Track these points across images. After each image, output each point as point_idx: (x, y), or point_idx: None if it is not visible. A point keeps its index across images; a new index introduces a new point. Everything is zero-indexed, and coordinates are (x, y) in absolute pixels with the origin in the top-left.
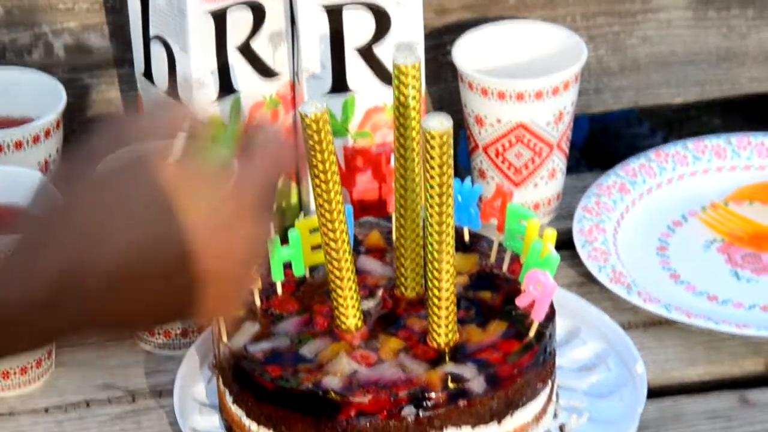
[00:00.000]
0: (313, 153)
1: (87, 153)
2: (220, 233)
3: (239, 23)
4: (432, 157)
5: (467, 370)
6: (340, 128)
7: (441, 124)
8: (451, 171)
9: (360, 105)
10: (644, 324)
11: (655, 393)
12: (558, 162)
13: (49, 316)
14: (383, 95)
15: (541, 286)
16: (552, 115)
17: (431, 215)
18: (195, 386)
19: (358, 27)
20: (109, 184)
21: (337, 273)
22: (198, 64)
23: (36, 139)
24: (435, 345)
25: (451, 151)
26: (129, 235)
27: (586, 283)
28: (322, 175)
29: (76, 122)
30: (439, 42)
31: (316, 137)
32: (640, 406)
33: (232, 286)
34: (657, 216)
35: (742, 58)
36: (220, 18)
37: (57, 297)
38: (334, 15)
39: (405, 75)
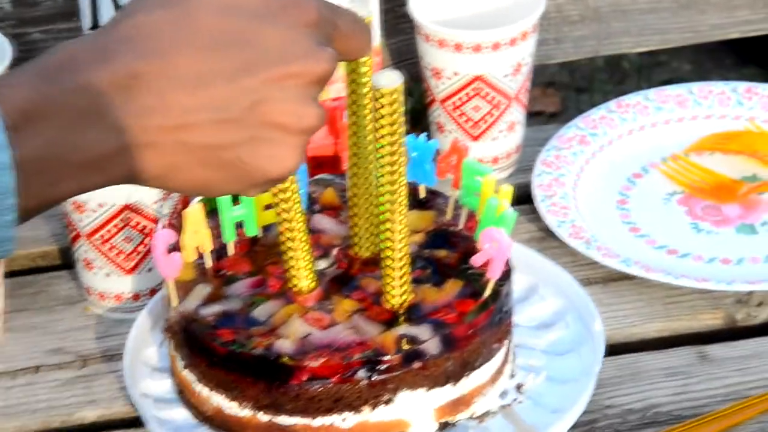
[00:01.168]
0: None
1: None
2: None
3: None
4: (382, 116)
5: (422, 331)
6: None
7: (391, 80)
8: (403, 129)
9: None
10: (604, 279)
11: (614, 350)
12: (517, 114)
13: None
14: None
15: (496, 244)
16: (510, 67)
17: (383, 174)
18: (146, 350)
19: None
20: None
21: (289, 234)
22: None
23: None
24: (389, 306)
25: (402, 108)
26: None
27: (546, 237)
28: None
29: None
30: None
31: None
32: (598, 364)
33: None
34: (617, 168)
35: (703, 6)
36: None
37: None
38: None
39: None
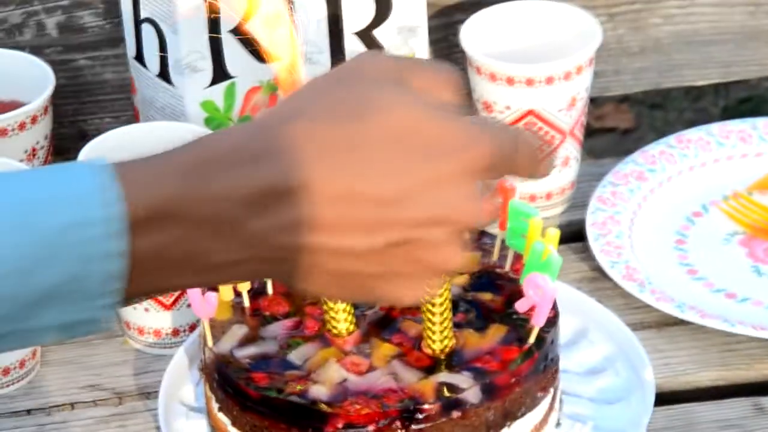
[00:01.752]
0: None
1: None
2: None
3: (233, 5)
4: None
5: (462, 379)
6: None
7: None
8: None
9: None
10: (658, 324)
11: (665, 399)
12: (571, 149)
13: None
14: None
15: (541, 291)
16: (564, 101)
17: None
18: (183, 387)
19: (357, 10)
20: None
21: None
22: (189, 48)
23: (22, 126)
24: (430, 351)
25: None
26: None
27: (598, 278)
28: None
29: (70, 106)
30: (449, 21)
31: None
32: (647, 415)
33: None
34: (676, 206)
35: None
36: None
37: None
38: None
39: None
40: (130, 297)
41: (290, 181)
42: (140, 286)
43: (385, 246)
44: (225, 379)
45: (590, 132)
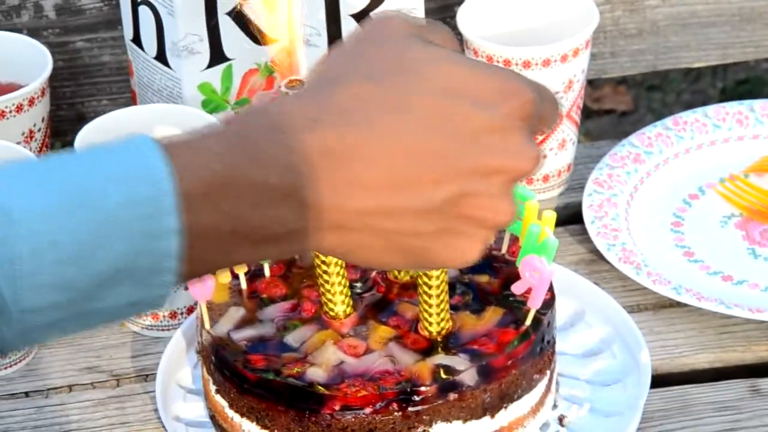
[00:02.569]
0: None
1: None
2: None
3: None
4: None
5: (459, 361)
6: None
7: None
8: None
9: None
10: (654, 306)
11: (662, 381)
12: (568, 132)
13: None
14: None
15: (537, 273)
16: (561, 84)
17: None
18: (181, 371)
19: None
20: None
21: (323, 257)
22: (186, 30)
23: (19, 108)
24: (426, 334)
25: None
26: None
27: (596, 260)
28: None
29: (68, 88)
30: (446, 3)
31: None
32: (644, 397)
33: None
34: (672, 189)
35: (767, 19)
36: None
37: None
38: None
39: None
40: (192, 274)
41: (345, 143)
42: (200, 261)
43: (442, 202)
44: (222, 362)
45: (588, 114)
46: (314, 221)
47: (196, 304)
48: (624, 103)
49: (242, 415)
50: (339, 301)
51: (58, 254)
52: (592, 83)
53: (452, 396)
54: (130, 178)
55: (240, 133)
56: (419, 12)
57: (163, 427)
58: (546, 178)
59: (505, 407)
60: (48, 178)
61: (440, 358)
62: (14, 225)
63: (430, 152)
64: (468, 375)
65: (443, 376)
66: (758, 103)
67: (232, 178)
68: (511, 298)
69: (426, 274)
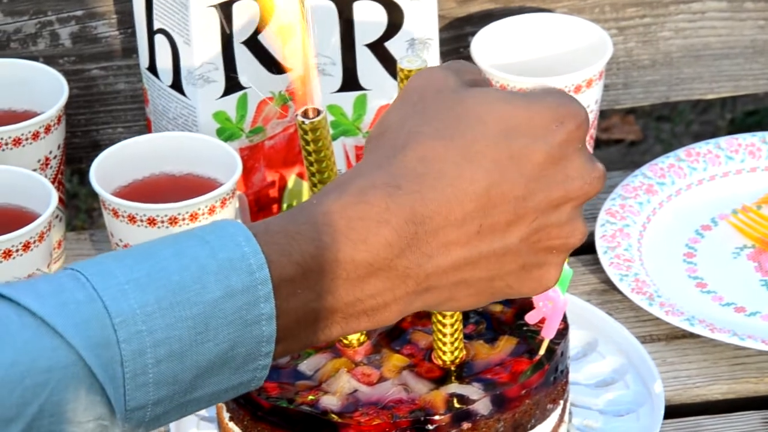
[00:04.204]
0: (309, 156)
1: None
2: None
3: (246, 16)
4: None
5: (473, 391)
6: (351, 127)
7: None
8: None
9: (372, 103)
10: (667, 337)
11: (675, 412)
12: None
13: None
14: (396, 93)
15: (551, 303)
16: None
17: None
18: None
19: (369, 22)
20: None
21: None
22: (202, 59)
23: (36, 136)
24: (440, 363)
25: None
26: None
27: (608, 290)
28: (318, 175)
29: (83, 115)
30: (460, 33)
31: (312, 142)
32: (657, 428)
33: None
34: (685, 220)
35: None
36: (225, 10)
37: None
38: (345, 8)
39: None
40: (286, 352)
41: (428, 207)
42: (295, 340)
43: (519, 241)
44: None
45: (597, 143)
46: (406, 289)
47: None
48: (633, 133)
49: None
50: None
51: (161, 353)
52: (601, 113)
53: (466, 425)
54: (226, 270)
55: (327, 212)
56: (434, 42)
57: None
58: None
59: None
60: (144, 275)
61: (454, 387)
62: (116, 328)
63: (501, 196)
64: (481, 404)
65: (457, 405)
66: None
67: (323, 259)
68: (524, 328)
69: None
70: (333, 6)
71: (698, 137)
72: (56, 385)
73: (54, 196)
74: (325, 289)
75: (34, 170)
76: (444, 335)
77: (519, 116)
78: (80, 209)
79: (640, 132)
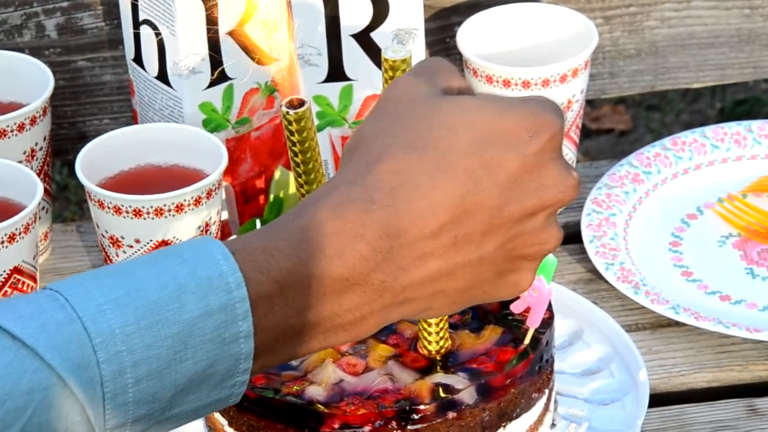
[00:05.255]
0: (293, 145)
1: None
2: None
3: (231, 7)
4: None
5: (458, 380)
6: (338, 117)
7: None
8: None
9: (358, 93)
10: (653, 325)
11: (660, 400)
12: (567, 152)
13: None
14: (381, 83)
15: (536, 292)
16: (560, 104)
17: None
18: None
19: (355, 12)
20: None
21: None
22: (188, 49)
23: (21, 127)
24: (425, 353)
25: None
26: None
27: (594, 279)
28: (302, 166)
29: (69, 107)
30: (447, 23)
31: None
32: (642, 416)
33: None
34: (671, 209)
35: (765, 40)
36: (210, 1)
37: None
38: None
39: (394, 70)
40: (264, 368)
41: (402, 220)
42: (273, 356)
43: (495, 249)
44: None
45: (586, 133)
46: (383, 303)
47: None
48: (623, 122)
49: None
50: None
51: (140, 372)
52: (590, 103)
53: (451, 414)
54: (204, 288)
55: (305, 227)
56: (420, 33)
57: None
58: None
59: (504, 426)
60: (123, 295)
61: (439, 377)
62: (96, 348)
63: (475, 206)
64: (467, 393)
65: (442, 394)
66: (756, 124)
67: (301, 275)
68: (510, 317)
69: None
70: None
71: (688, 126)
72: (37, 406)
73: (39, 187)
74: (303, 304)
75: (20, 162)
76: (429, 325)
77: (492, 126)
78: (70, 201)
79: (630, 121)
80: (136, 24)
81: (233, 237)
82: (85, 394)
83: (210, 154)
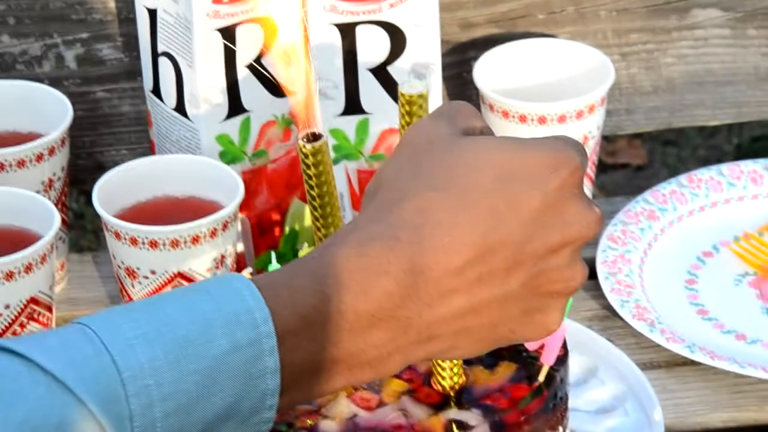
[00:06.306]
0: (309, 179)
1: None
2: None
3: (249, 40)
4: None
5: (472, 417)
6: (354, 151)
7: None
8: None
9: (374, 126)
10: (668, 363)
11: None
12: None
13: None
14: (397, 117)
15: None
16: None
17: None
18: None
19: (372, 46)
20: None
21: None
22: (205, 81)
23: (39, 157)
24: (439, 388)
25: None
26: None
27: (609, 316)
28: (318, 199)
29: (87, 137)
30: (463, 58)
31: (312, 166)
32: None
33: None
34: (686, 246)
35: None
36: (228, 34)
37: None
38: (348, 32)
39: (411, 104)
40: (291, 404)
41: (426, 257)
42: (299, 392)
43: (519, 287)
44: None
45: (602, 168)
46: (408, 339)
47: None
48: (639, 157)
49: None
50: None
51: (169, 407)
52: (607, 138)
53: None
54: (231, 323)
55: (329, 264)
56: (437, 67)
57: None
58: None
59: None
60: (152, 330)
61: (453, 413)
62: (125, 383)
63: (498, 243)
64: (480, 430)
65: (456, 431)
66: None
67: (326, 310)
68: (524, 354)
69: None
70: (336, 30)
71: (704, 162)
72: None
73: (57, 217)
74: (329, 340)
75: (38, 192)
76: (443, 360)
77: (513, 163)
78: (87, 229)
79: (645, 156)
80: (155, 55)
81: (256, 274)
82: (114, 429)
83: (226, 186)
